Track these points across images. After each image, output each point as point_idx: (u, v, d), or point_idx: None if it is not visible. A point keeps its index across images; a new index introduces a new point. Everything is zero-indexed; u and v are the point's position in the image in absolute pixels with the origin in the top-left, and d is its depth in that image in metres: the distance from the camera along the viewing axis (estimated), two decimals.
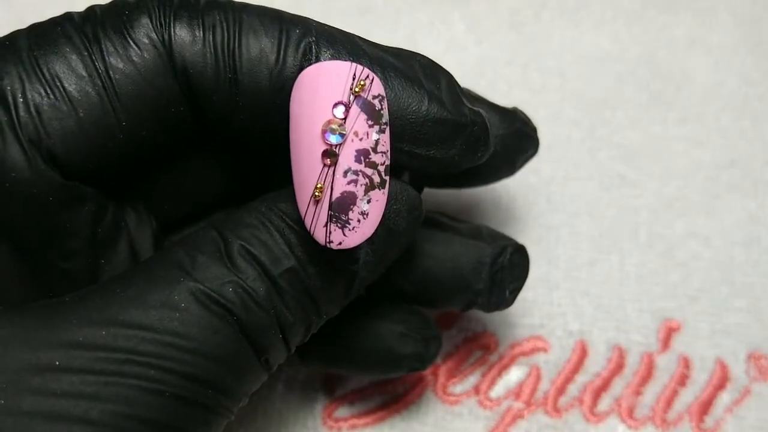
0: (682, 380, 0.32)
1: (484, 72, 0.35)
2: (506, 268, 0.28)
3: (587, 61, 0.38)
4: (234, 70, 0.22)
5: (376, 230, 0.22)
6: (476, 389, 0.32)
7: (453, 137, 0.23)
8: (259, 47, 0.22)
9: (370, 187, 0.21)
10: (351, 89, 0.21)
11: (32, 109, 0.21)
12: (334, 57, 0.22)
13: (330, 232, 0.21)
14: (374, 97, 0.21)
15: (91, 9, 0.23)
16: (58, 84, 0.22)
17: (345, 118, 0.21)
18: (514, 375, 0.33)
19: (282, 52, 0.22)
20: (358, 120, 0.21)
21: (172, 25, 0.22)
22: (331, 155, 0.21)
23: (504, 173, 0.30)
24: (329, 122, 0.20)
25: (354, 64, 0.21)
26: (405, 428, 0.32)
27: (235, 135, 0.24)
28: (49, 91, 0.22)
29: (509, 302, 0.29)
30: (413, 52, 0.24)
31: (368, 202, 0.21)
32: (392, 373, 0.29)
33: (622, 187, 0.36)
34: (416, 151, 0.23)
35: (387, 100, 0.21)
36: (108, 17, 0.22)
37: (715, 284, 0.33)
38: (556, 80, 0.37)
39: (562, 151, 0.36)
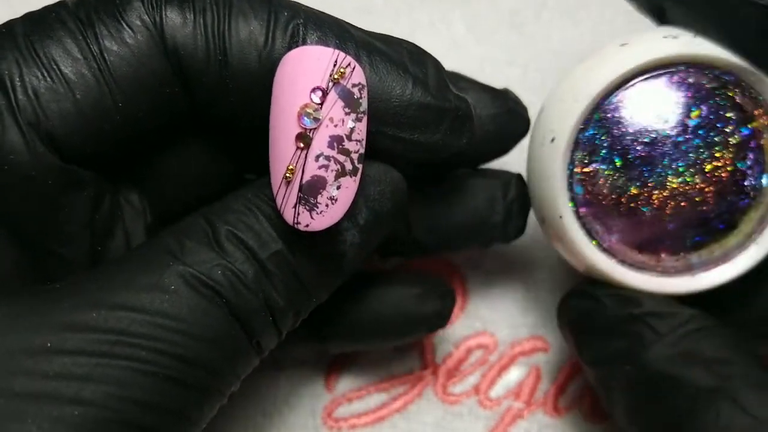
0: None
1: (484, 72, 0.35)
2: (516, 198, 0.29)
3: None
4: (224, 52, 0.22)
5: (363, 212, 0.23)
6: (476, 389, 0.32)
7: (437, 122, 0.24)
8: (248, 29, 0.23)
9: (341, 173, 0.21)
10: (331, 75, 0.21)
11: (30, 92, 0.22)
12: (321, 40, 0.23)
13: (298, 214, 0.21)
14: (354, 86, 0.21)
15: None
16: (55, 67, 0.22)
17: (322, 104, 0.21)
18: (514, 375, 0.33)
19: (270, 34, 0.23)
20: (334, 106, 0.21)
21: (163, 7, 0.22)
22: (304, 138, 0.21)
23: (497, 153, 0.30)
24: (305, 106, 0.21)
25: (336, 51, 0.21)
26: (405, 428, 0.32)
27: (226, 118, 0.24)
28: (46, 75, 0.22)
29: (524, 229, 0.30)
30: (401, 39, 0.25)
31: (338, 188, 0.21)
32: (413, 337, 0.30)
33: None
34: (400, 135, 0.23)
35: (368, 89, 0.22)
36: (101, 1, 0.23)
37: None
38: (556, 80, 0.37)
39: None
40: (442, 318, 0.29)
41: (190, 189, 0.26)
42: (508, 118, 0.29)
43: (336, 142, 0.21)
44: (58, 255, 0.23)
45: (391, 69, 0.23)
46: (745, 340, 0.25)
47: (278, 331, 0.23)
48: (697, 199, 0.26)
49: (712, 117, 0.26)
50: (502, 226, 0.29)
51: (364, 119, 0.22)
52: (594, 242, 0.27)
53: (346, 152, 0.21)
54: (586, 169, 0.27)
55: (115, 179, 0.25)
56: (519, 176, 0.30)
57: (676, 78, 0.26)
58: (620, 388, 0.26)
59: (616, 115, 0.26)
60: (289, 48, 0.22)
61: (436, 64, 0.24)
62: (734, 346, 0.25)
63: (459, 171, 0.30)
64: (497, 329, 0.33)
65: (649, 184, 0.26)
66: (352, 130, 0.21)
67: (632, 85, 0.26)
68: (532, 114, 0.29)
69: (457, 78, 0.29)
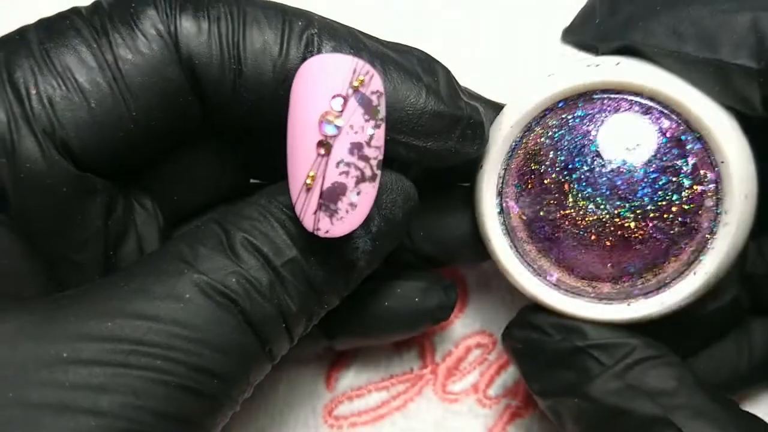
0: None
1: (484, 72, 0.35)
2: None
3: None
4: (239, 61, 0.23)
5: (375, 220, 0.23)
6: (475, 387, 0.33)
7: (450, 130, 0.24)
8: (262, 39, 0.23)
9: (361, 179, 0.22)
10: (350, 83, 0.21)
11: (45, 100, 0.22)
12: (335, 49, 0.23)
13: (318, 220, 0.21)
14: (372, 93, 0.21)
15: (98, 2, 0.23)
16: (70, 76, 0.22)
17: (342, 111, 0.21)
18: (513, 373, 0.33)
19: (285, 44, 0.23)
20: (354, 114, 0.21)
21: (177, 16, 0.23)
22: (325, 145, 0.21)
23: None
24: (326, 113, 0.21)
25: (355, 59, 0.21)
26: (405, 426, 0.32)
27: (240, 126, 0.24)
28: (60, 83, 0.22)
29: None
30: (411, 47, 0.25)
31: (358, 194, 0.22)
32: (419, 329, 0.30)
33: None
34: (413, 142, 0.24)
35: (385, 97, 0.22)
36: (115, 9, 0.23)
37: None
38: None
39: None
40: (446, 310, 0.30)
41: (198, 193, 0.26)
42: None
43: (356, 148, 0.21)
44: (72, 261, 0.23)
45: (405, 78, 0.23)
46: (690, 369, 0.25)
47: (290, 338, 0.23)
48: (628, 225, 0.26)
49: (639, 144, 0.25)
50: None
51: (383, 126, 0.22)
52: (530, 270, 0.27)
53: (366, 158, 0.21)
54: (513, 198, 0.27)
55: (128, 184, 0.25)
56: None
57: (598, 105, 0.26)
58: (570, 417, 0.26)
59: (540, 141, 0.26)
60: (304, 58, 0.23)
61: (447, 72, 0.25)
62: (679, 376, 0.25)
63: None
64: (496, 328, 0.33)
65: (580, 212, 0.26)
66: (371, 136, 0.21)
67: (556, 113, 0.26)
68: None
69: (464, 90, 0.29)
